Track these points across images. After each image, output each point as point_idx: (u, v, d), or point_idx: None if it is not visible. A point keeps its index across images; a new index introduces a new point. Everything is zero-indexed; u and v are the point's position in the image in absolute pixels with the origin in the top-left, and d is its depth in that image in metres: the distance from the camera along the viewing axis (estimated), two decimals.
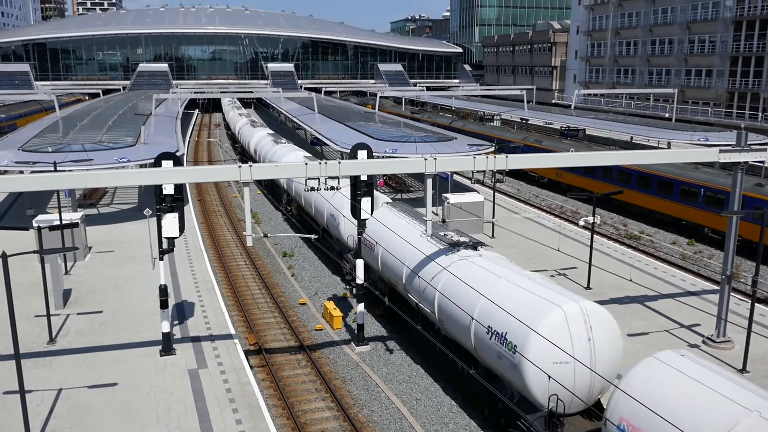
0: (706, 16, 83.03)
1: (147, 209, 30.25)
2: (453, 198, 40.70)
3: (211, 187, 58.53)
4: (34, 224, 32.52)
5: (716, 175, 39.39)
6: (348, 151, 29.94)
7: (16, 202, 47.18)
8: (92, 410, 19.91)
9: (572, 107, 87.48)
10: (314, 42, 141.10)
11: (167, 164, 20.92)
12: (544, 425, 17.64)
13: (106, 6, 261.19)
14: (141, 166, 39.86)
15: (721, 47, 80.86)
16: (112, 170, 21.24)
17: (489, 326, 19.30)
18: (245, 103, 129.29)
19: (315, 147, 74.57)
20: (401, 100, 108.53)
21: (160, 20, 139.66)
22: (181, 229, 22.26)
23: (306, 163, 20.78)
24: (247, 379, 21.84)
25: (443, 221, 40.44)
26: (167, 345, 23.65)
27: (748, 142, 23.26)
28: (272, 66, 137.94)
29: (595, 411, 18.38)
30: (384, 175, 54.95)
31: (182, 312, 27.51)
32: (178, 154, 40.40)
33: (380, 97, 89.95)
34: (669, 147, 54.51)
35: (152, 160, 22.60)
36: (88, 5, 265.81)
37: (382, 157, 39.96)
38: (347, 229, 31.85)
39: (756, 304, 24.40)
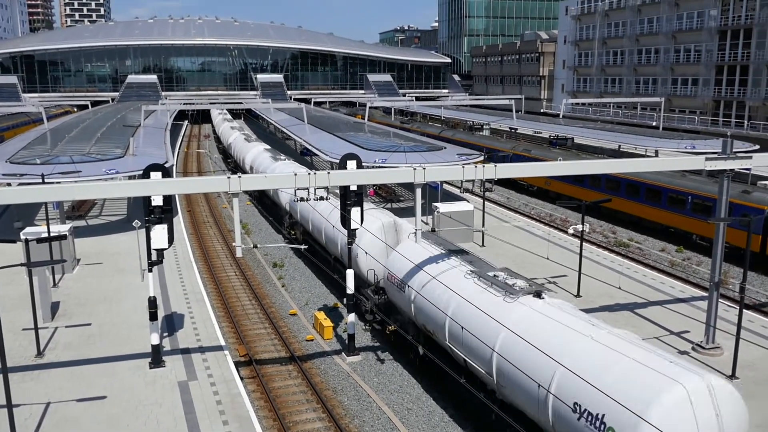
0: (692, 26, 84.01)
1: (136, 221, 30.11)
2: (443, 207, 40.82)
3: (201, 198, 58.37)
4: (22, 236, 32.34)
5: (703, 182, 39.73)
6: (338, 161, 29.99)
7: (4, 215, 46.88)
8: (81, 424, 19.73)
9: (560, 116, 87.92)
10: (303, 53, 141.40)
11: (156, 175, 20.92)
12: None
13: (94, 18, 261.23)
14: (130, 177, 39.77)
15: (706, 56, 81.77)
16: (100, 182, 21.14)
17: (576, 403, 15.33)
18: (234, 114, 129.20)
19: (305, 157, 74.72)
20: (391, 111, 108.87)
21: (149, 32, 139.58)
22: (171, 240, 22.20)
23: (295, 174, 20.80)
24: (237, 390, 21.73)
25: (433, 230, 40.53)
26: (157, 357, 23.51)
27: (734, 150, 23.52)
28: (261, 77, 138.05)
29: None
30: (374, 185, 55.08)
31: (172, 324, 27.36)
32: (167, 165, 40.25)
33: (370, 108, 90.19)
34: (656, 155, 55.03)
35: (141, 172, 22.54)
36: (77, 17, 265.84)
37: (372, 167, 40.06)
38: (367, 262, 29.04)
39: (744, 310, 24.59)
